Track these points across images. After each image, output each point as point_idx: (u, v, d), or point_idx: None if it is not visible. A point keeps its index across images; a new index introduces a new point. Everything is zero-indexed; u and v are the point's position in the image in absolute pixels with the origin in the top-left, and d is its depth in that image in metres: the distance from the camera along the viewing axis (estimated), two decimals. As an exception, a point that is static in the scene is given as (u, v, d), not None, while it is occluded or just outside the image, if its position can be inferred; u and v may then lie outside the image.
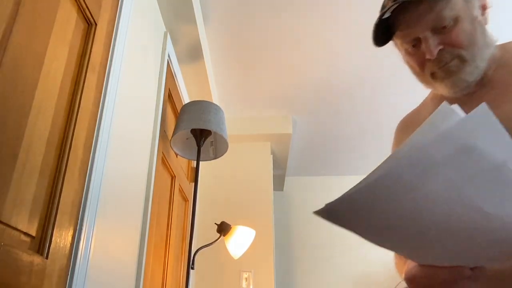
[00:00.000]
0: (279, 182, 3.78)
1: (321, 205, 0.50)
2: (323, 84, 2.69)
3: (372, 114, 3.02)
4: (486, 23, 0.83)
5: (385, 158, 0.48)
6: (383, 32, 0.86)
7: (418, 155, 0.45)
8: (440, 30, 0.77)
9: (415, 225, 0.53)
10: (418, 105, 1.00)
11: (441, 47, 0.78)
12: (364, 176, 0.49)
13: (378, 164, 0.49)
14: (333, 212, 0.53)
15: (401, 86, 2.67)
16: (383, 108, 2.93)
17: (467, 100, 0.80)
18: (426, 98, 0.98)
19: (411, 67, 0.86)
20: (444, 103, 0.47)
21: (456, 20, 0.77)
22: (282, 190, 3.99)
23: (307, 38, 2.30)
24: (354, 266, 3.63)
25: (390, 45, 0.90)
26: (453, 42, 0.78)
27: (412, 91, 2.76)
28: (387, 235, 0.57)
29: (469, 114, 0.43)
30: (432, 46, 0.78)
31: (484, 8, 0.84)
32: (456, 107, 0.47)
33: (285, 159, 3.38)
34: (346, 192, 0.49)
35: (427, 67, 0.81)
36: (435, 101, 0.91)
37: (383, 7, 0.85)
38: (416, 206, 0.49)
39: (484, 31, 0.81)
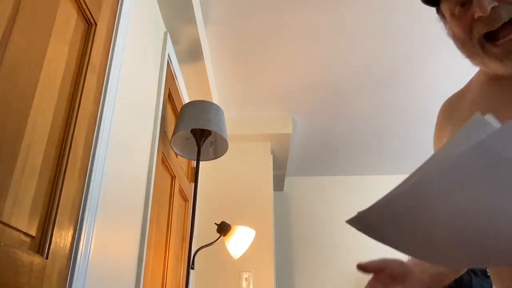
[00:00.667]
0: (279, 182, 3.78)
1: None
2: (323, 84, 2.69)
3: (372, 114, 3.02)
4: None
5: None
6: None
7: (451, 166, 0.44)
8: None
9: (448, 232, 0.52)
10: (463, 87, 0.90)
11: (495, 3, 0.65)
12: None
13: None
14: (364, 221, 0.52)
15: (402, 86, 2.67)
16: (383, 108, 2.93)
17: None
18: (471, 80, 0.88)
19: (456, 36, 0.74)
20: (477, 115, 0.44)
21: None
22: (282, 190, 3.99)
23: (307, 38, 2.30)
24: (354, 266, 3.63)
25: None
26: None
27: (412, 91, 2.76)
28: (420, 243, 0.57)
29: (504, 126, 0.40)
30: (486, 1, 0.65)
31: None
32: (490, 118, 0.46)
33: (285, 159, 3.39)
34: (377, 201, 0.48)
35: (476, 29, 0.68)
36: (481, 83, 0.79)
37: None
38: (450, 215, 0.49)
39: None
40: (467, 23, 0.68)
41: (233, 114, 3.05)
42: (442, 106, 0.90)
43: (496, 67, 0.68)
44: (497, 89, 0.73)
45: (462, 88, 0.87)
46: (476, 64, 0.75)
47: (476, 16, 0.66)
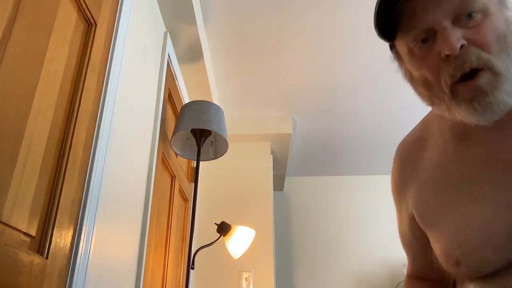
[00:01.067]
0: (279, 182, 3.78)
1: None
2: (323, 84, 2.69)
3: (372, 114, 3.02)
4: None
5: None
6: (384, 25, 0.64)
7: None
8: (464, 21, 0.58)
9: None
10: (420, 126, 0.81)
11: (464, 42, 0.57)
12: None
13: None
14: None
15: (402, 85, 2.67)
16: (383, 108, 2.93)
17: (495, 128, 0.60)
18: (429, 122, 0.77)
19: (416, 80, 0.64)
20: None
21: (485, 14, 0.58)
22: (282, 190, 3.99)
23: (307, 38, 2.30)
24: (354, 266, 3.63)
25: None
26: (481, 40, 0.57)
27: (412, 92, 2.76)
28: None
29: None
30: (453, 37, 0.57)
31: None
32: None
33: (285, 159, 3.38)
34: None
35: (446, 71, 0.58)
36: (442, 132, 0.70)
37: None
38: None
39: None
40: (434, 63, 0.59)
41: (233, 114, 3.05)
42: (399, 151, 0.84)
43: (465, 115, 0.59)
44: (464, 149, 0.66)
45: (419, 130, 0.79)
46: (440, 112, 0.65)
47: (443, 54, 0.57)
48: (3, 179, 0.71)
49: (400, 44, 0.65)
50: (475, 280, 0.64)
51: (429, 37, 0.60)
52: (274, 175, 3.35)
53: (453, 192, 0.68)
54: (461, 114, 0.59)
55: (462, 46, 0.57)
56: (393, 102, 2.85)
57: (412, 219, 0.79)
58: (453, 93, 0.59)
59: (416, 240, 0.82)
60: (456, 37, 0.57)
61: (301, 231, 3.85)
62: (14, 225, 0.74)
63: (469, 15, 0.57)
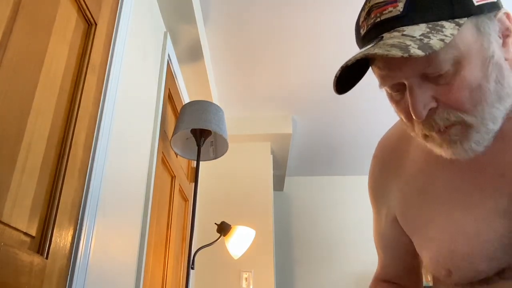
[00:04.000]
0: (279, 182, 3.78)
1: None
2: (323, 84, 2.69)
3: (372, 114, 3.02)
4: (508, 57, 0.57)
5: None
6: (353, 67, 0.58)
7: None
8: (433, 77, 0.54)
9: None
10: (399, 129, 0.76)
11: (433, 105, 0.55)
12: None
13: None
14: None
15: (401, 86, 2.67)
16: (383, 107, 2.93)
17: (477, 158, 0.59)
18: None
19: (397, 113, 0.63)
20: None
21: (458, 64, 0.53)
22: (282, 190, 3.99)
23: (307, 38, 2.30)
24: (354, 266, 3.63)
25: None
26: (451, 101, 0.54)
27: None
28: None
29: None
30: (420, 103, 0.54)
31: (507, 32, 0.57)
32: None
33: (285, 159, 3.38)
34: None
35: (416, 125, 0.59)
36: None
37: (357, 27, 0.60)
38: None
39: (502, 75, 0.55)
40: (407, 112, 0.57)
41: (233, 114, 3.05)
42: (380, 147, 0.81)
43: (440, 152, 0.60)
44: (448, 167, 0.64)
45: (400, 131, 0.75)
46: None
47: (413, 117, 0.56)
48: (3, 179, 0.71)
49: (382, 87, 0.63)
50: (465, 287, 0.63)
51: (401, 88, 0.58)
52: (274, 175, 3.35)
53: (440, 197, 0.66)
54: (437, 153, 0.60)
55: (431, 109, 0.55)
56: (393, 102, 2.84)
57: (394, 222, 0.77)
58: (425, 138, 0.60)
59: (396, 243, 0.80)
60: (423, 102, 0.54)
61: (301, 231, 3.85)
62: (14, 225, 0.74)
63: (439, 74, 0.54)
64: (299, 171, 3.95)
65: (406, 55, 0.48)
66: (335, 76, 0.57)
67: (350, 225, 3.78)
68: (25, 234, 0.78)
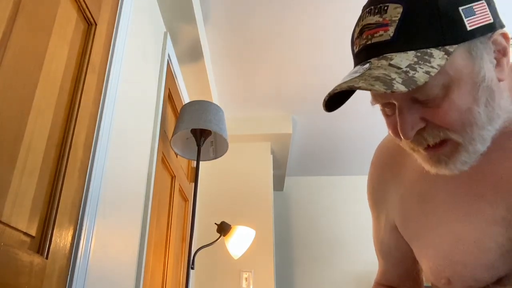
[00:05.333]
0: (279, 182, 3.78)
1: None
2: (323, 84, 2.69)
3: (372, 114, 3.02)
4: (502, 78, 0.56)
5: None
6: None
7: None
8: (423, 100, 0.54)
9: None
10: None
11: (422, 125, 0.56)
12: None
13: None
14: None
15: (401, 86, 2.67)
16: (386, 124, 2.92)
17: (476, 168, 0.59)
18: None
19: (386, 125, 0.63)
20: None
21: (448, 88, 0.53)
22: (282, 190, 3.99)
23: (307, 38, 2.30)
24: (354, 266, 3.63)
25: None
26: (441, 122, 0.55)
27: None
28: None
29: None
30: (408, 125, 0.55)
31: (502, 52, 0.56)
32: None
33: (285, 159, 3.38)
34: None
35: (404, 141, 0.60)
36: None
37: (352, 42, 0.60)
38: None
39: (492, 98, 0.55)
40: (396, 128, 0.58)
41: (233, 114, 3.05)
42: (378, 153, 0.81)
43: (424, 166, 0.61)
44: (447, 176, 0.63)
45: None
46: None
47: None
48: (3, 179, 0.71)
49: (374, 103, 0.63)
50: None
51: (392, 105, 0.58)
52: (274, 175, 3.35)
53: (439, 205, 0.66)
54: (426, 168, 0.61)
55: (420, 130, 0.56)
56: (393, 102, 2.84)
57: (394, 228, 0.77)
58: (413, 151, 0.61)
59: (395, 249, 0.80)
60: (411, 124, 0.55)
61: (301, 231, 3.85)
62: (14, 225, 0.74)
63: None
64: (299, 171, 3.95)
65: (388, 91, 0.49)
66: (324, 101, 0.57)
67: (350, 225, 3.78)
68: (25, 234, 0.78)
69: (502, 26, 0.57)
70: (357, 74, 0.54)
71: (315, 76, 2.62)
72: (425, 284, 0.82)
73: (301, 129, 3.22)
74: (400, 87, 0.49)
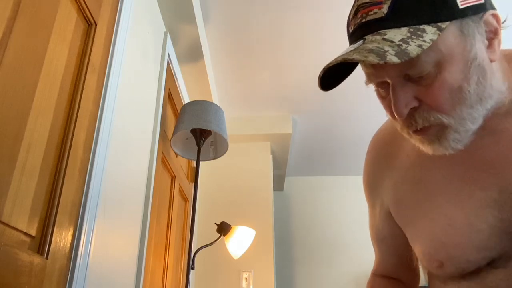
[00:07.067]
0: (279, 182, 3.78)
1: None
2: (323, 84, 2.69)
3: (372, 114, 3.02)
4: (493, 58, 0.58)
5: None
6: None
7: None
8: (416, 78, 0.56)
9: None
10: (391, 124, 0.76)
11: (415, 104, 0.57)
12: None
13: None
14: None
15: (401, 86, 2.67)
16: (383, 107, 2.92)
17: (468, 152, 0.61)
18: None
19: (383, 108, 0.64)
20: None
21: (440, 66, 0.54)
22: (282, 190, 3.99)
23: (307, 38, 2.30)
24: (354, 266, 3.63)
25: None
26: (432, 101, 0.56)
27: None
28: None
29: None
30: (401, 102, 0.56)
31: (494, 33, 0.58)
32: None
33: (285, 159, 3.38)
34: None
35: (401, 125, 0.62)
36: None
37: (347, 24, 0.61)
38: None
39: (484, 77, 0.56)
40: (390, 108, 0.59)
41: (233, 114, 3.05)
42: (373, 142, 0.82)
43: (422, 148, 0.62)
44: (440, 161, 0.65)
45: (392, 126, 0.74)
46: None
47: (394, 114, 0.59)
48: (3, 179, 0.71)
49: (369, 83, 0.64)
50: (457, 279, 0.64)
51: (386, 85, 0.59)
52: (274, 175, 3.35)
53: (432, 190, 0.67)
54: (421, 148, 0.62)
55: (412, 109, 0.57)
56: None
57: (388, 215, 0.78)
58: (408, 134, 0.62)
59: (391, 237, 0.81)
60: (405, 102, 0.56)
61: (301, 231, 3.85)
62: (14, 225, 0.74)
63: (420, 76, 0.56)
64: (299, 171, 3.95)
65: (382, 62, 0.50)
66: (319, 77, 0.58)
67: (350, 225, 3.78)
68: (25, 234, 0.78)
69: (493, 7, 0.58)
70: (352, 49, 0.55)
71: (315, 76, 2.62)
72: (424, 284, 0.82)
73: (301, 129, 3.22)
74: (393, 58, 0.50)
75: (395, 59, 0.50)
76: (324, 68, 0.57)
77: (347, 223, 3.80)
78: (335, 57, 0.56)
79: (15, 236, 0.75)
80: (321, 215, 3.88)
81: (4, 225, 0.71)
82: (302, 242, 3.80)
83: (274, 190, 3.32)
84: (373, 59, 0.51)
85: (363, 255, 3.61)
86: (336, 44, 2.33)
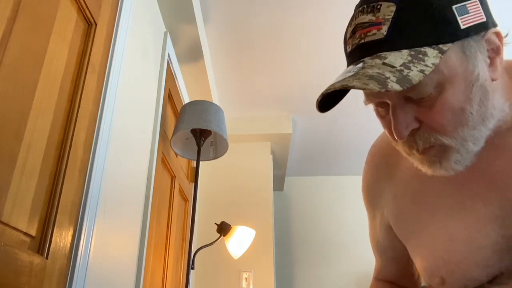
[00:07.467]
0: (279, 182, 3.78)
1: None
2: (323, 84, 2.69)
3: (372, 114, 3.01)
4: (495, 77, 0.56)
5: None
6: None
7: None
8: (416, 99, 0.54)
9: None
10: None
11: (415, 125, 0.55)
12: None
13: None
14: None
15: (401, 86, 2.67)
16: (382, 127, 2.92)
17: (470, 167, 0.59)
18: None
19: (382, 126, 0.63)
20: None
21: (441, 87, 0.53)
22: (282, 190, 3.99)
23: (307, 38, 2.30)
24: (354, 266, 3.63)
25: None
26: (433, 123, 0.54)
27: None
28: None
29: None
30: (401, 124, 0.55)
31: (495, 52, 0.56)
32: None
33: (285, 159, 3.38)
34: None
35: (400, 146, 0.60)
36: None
37: (344, 42, 0.59)
38: None
39: (486, 97, 0.55)
40: (390, 127, 0.57)
41: (233, 114, 3.05)
42: (372, 153, 0.81)
43: (421, 169, 0.60)
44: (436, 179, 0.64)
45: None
46: None
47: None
48: (3, 179, 0.71)
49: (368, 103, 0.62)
50: None
51: (386, 105, 0.58)
52: (274, 175, 3.35)
53: (432, 204, 0.66)
54: (420, 168, 0.61)
55: (412, 131, 0.56)
56: (393, 102, 2.84)
57: (389, 228, 0.77)
58: (408, 154, 0.61)
59: (391, 249, 0.80)
60: (405, 123, 0.55)
61: (301, 231, 3.85)
62: (14, 225, 0.74)
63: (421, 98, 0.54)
64: (299, 171, 3.95)
65: (383, 90, 0.48)
66: (317, 101, 0.57)
67: (350, 224, 3.78)
68: (25, 234, 0.78)
69: (495, 25, 0.56)
70: (351, 73, 0.53)
71: (315, 76, 2.62)
72: (422, 284, 0.82)
73: (301, 129, 3.22)
74: (394, 86, 0.48)
75: (397, 87, 0.48)
76: (322, 93, 0.55)
77: (347, 223, 3.80)
78: (333, 82, 0.54)
79: (15, 236, 0.75)
80: (321, 215, 3.88)
81: (4, 225, 0.71)
82: (302, 242, 3.80)
83: (274, 190, 3.32)
84: (374, 86, 0.49)
85: (363, 255, 3.61)
86: (336, 44, 2.34)
